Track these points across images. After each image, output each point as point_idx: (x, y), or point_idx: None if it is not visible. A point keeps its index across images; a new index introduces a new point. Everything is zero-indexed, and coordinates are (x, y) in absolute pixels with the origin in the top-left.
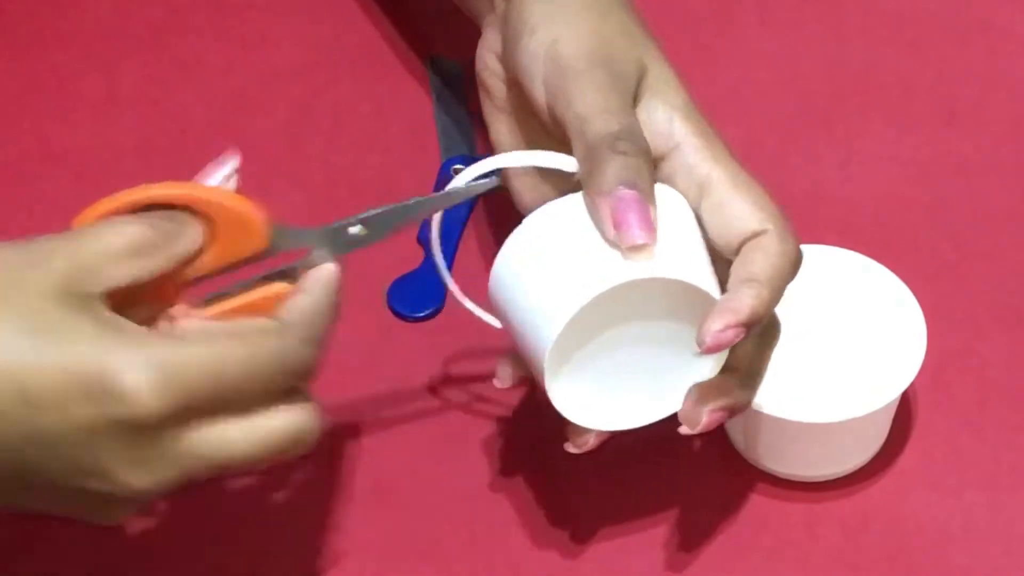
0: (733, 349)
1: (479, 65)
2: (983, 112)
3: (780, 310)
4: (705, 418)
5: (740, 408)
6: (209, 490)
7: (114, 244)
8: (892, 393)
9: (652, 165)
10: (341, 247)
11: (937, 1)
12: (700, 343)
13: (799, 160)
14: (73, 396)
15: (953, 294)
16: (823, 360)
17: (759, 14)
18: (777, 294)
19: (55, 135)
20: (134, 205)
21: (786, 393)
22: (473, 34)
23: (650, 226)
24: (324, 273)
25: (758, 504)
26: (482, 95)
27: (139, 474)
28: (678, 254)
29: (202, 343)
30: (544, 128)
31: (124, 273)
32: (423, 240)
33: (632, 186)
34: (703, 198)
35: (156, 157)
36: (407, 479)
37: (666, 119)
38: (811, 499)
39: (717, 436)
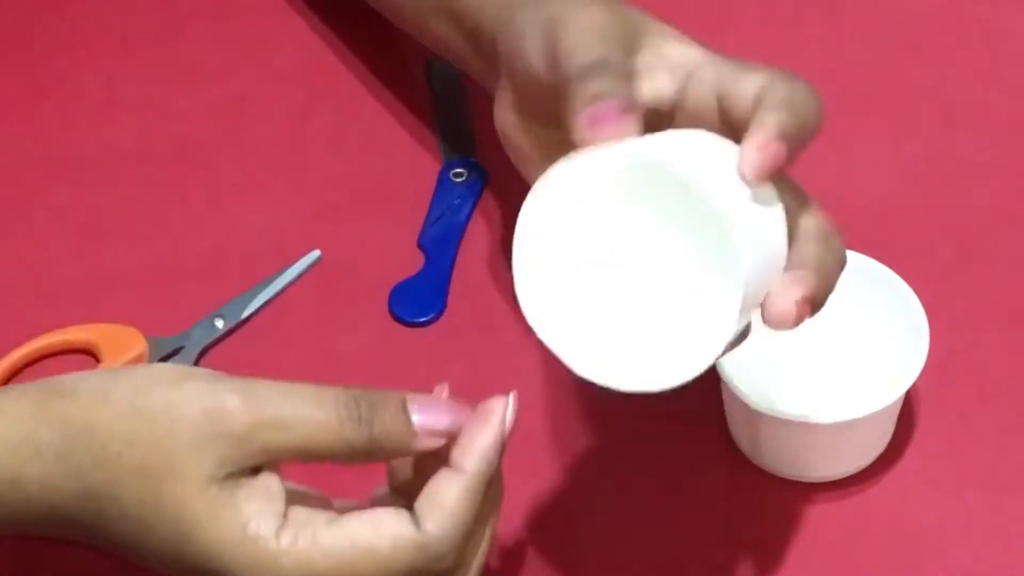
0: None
1: (500, 129)
2: (983, 113)
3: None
4: (796, 310)
5: (821, 298)
6: None
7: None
8: (895, 393)
9: (629, 82)
10: (208, 340)
11: (937, 1)
12: (747, 169)
13: (799, 161)
14: None
15: (953, 295)
16: (826, 360)
17: (759, 14)
18: (795, 117)
19: (56, 138)
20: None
21: (790, 394)
22: None
23: (625, 111)
24: (477, 459)
25: (758, 504)
26: (514, 159)
27: None
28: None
29: (331, 557)
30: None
31: (280, 458)
32: (423, 245)
33: (599, 99)
34: (720, 94)
35: (157, 160)
36: None
37: (681, 51)
38: (811, 499)
39: (720, 436)
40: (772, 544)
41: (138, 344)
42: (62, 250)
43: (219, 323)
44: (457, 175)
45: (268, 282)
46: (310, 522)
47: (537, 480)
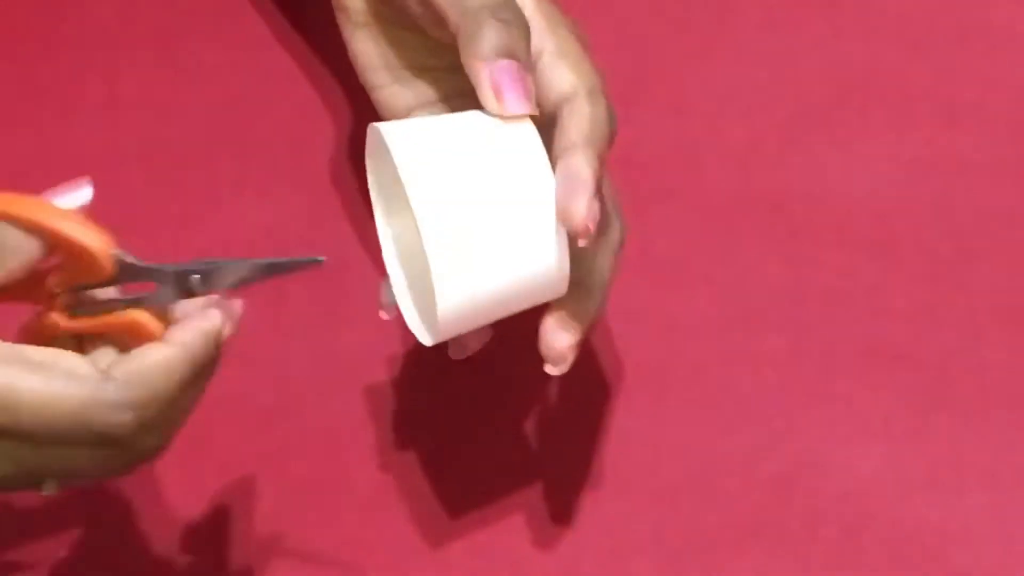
0: (578, 265)
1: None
2: (983, 112)
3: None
4: (571, 356)
5: (593, 326)
6: (204, 486)
7: None
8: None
9: (529, 40)
10: (182, 292)
11: (937, 1)
12: (576, 229)
13: (799, 160)
14: None
15: (953, 294)
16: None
17: (759, 14)
18: (598, 155)
19: (56, 139)
20: None
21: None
22: None
23: (529, 96)
24: (190, 334)
25: (757, 504)
26: (339, 17)
27: None
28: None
29: None
30: (411, 29)
31: None
32: None
33: (512, 55)
34: (536, 67)
35: (157, 161)
36: (406, 479)
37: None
38: (811, 499)
39: (721, 435)
40: (771, 544)
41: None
42: None
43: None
44: None
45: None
46: None
47: (535, 479)
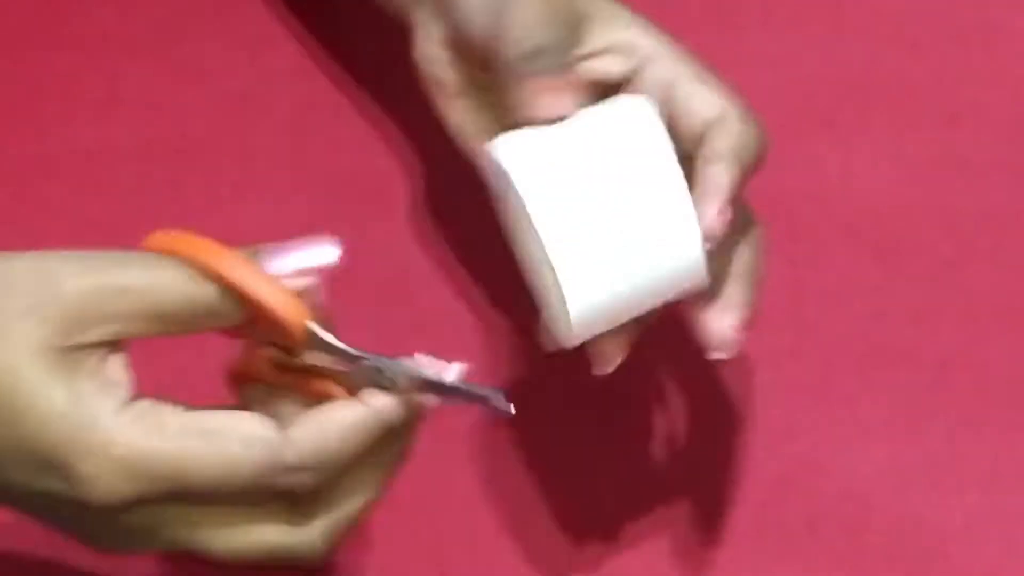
0: (726, 258)
1: (421, 63)
2: (984, 112)
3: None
4: (735, 337)
5: (751, 315)
6: None
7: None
8: None
9: (568, 68)
10: (366, 380)
11: (937, 1)
12: (708, 235)
13: (799, 160)
14: (33, 467)
15: (953, 294)
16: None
17: (759, 14)
18: (742, 171)
19: (55, 138)
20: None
21: None
22: None
23: (563, 90)
24: (380, 405)
25: (758, 504)
26: (433, 92)
27: (107, 542)
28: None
29: (172, 441)
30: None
31: (129, 330)
32: None
33: (541, 87)
34: (670, 95)
35: (157, 160)
36: (402, 479)
37: (630, 38)
38: (811, 499)
39: (721, 435)
40: (771, 544)
41: None
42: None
43: None
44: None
45: None
46: (157, 409)
47: (535, 480)
